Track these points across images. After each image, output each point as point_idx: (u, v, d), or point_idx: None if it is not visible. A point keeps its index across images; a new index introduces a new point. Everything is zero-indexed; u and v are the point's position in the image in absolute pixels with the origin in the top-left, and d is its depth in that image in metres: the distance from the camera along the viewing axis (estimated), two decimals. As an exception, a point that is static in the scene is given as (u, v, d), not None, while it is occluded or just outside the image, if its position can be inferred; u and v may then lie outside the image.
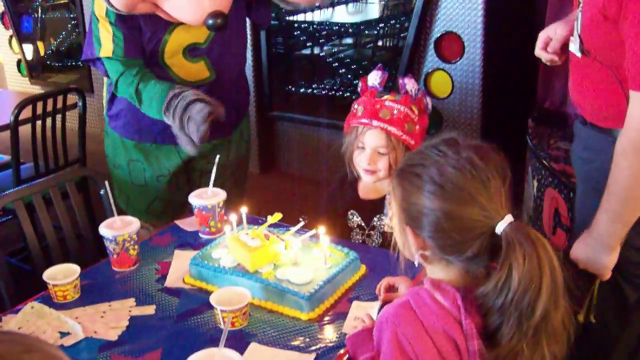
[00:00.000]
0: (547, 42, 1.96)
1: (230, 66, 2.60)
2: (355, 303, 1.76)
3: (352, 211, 2.22)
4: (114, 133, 2.67)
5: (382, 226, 2.17)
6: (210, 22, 2.28)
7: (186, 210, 2.38)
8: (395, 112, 2.08)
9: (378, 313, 1.63)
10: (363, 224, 2.20)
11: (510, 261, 1.20)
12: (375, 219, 2.18)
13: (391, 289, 1.75)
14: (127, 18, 2.37)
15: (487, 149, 1.32)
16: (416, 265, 1.38)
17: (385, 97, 2.12)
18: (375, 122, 2.09)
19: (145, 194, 2.68)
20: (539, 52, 1.98)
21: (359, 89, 2.20)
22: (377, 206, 2.18)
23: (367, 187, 2.24)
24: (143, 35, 2.42)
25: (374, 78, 2.16)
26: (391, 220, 1.44)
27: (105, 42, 2.40)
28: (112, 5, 2.31)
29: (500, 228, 1.24)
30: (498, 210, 1.25)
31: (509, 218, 1.24)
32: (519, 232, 1.22)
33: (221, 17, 2.28)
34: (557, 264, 1.22)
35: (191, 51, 2.46)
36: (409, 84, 2.12)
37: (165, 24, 2.40)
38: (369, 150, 2.12)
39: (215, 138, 2.62)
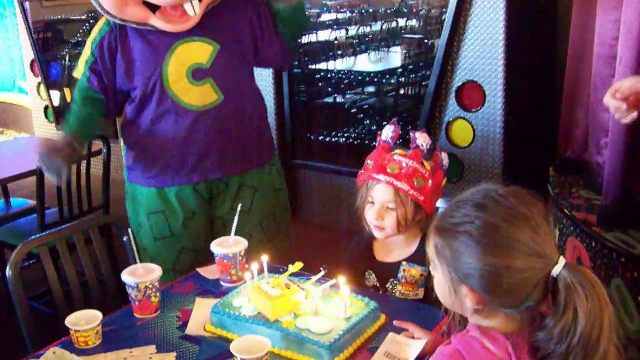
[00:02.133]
0: (616, 91, 1.95)
1: (238, 88, 2.59)
2: (391, 335, 1.77)
3: (369, 271, 2.21)
4: (133, 186, 2.68)
5: (395, 292, 2.15)
6: None
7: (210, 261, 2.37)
8: (403, 167, 2.06)
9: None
10: (378, 285, 2.19)
11: (575, 304, 1.21)
12: (389, 283, 2.17)
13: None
14: (112, 47, 2.51)
15: (527, 194, 1.32)
16: (470, 320, 1.37)
17: (396, 151, 2.12)
18: (382, 177, 2.07)
19: (171, 247, 2.64)
20: (607, 99, 1.97)
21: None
22: (392, 270, 2.16)
23: (381, 249, 2.23)
24: (144, 55, 2.49)
25: (387, 132, 2.16)
26: (433, 277, 1.41)
27: (80, 64, 2.57)
28: (103, 9, 2.41)
29: (556, 272, 1.24)
30: (552, 254, 1.26)
31: (563, 261, 1.25)
32: (577, 273, 1.23)
33: None
34: (609, 300, 1.24)
35: (195, 73, 2.49)
36: (420, 139, 2.10)
37: (167, 43, 2.47)
38: (377, 206, 2.11)
39: (235, 172, 2.63)
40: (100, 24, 2.55)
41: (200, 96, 2.50)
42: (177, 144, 2.54)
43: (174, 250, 2.65)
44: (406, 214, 2.08)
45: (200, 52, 2.49)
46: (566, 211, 2.74)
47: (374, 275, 2.20)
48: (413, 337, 1.76)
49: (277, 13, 2.62)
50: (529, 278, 1.25)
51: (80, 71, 2.57)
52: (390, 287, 2.16)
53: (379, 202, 2.10)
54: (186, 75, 2.48)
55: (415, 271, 2.11)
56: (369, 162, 2.15)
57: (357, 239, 2.31)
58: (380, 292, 2.17)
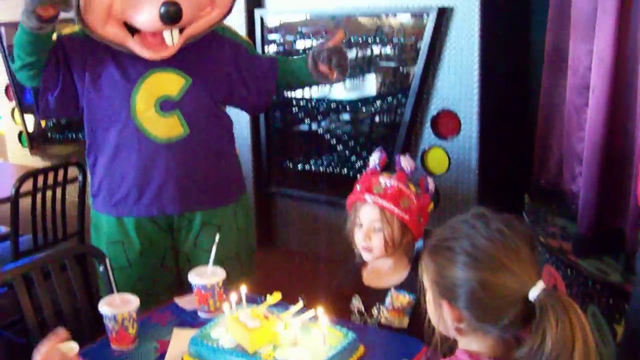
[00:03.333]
0: None
1: (205, 124, 2.56)
2: None
3: (356, 295, 2.22)
4: (96, 214, 2.65)
5: (380, 317, 2.16)
6: (163, 9, 2.29)
7: (173, 293, 2.36)
8: (388, 187, 2.11)
9: None
10: (363, 310, 2.20)
11: (544, 326, 1.24)
12: (375, 307, 2.18)
13: None
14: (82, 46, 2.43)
15: (515, 220, 1.38)
16: (459, 344, 1.40)
17: (382, 174, 2.17)
18: (368, 197, 2.12)
19: (128, 277, 2.60)
20: None
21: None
22: (379, 296, 2.17)
23: (370, 274, 2.25)
24: (114, 78, 2.45)
25: (374, 159, 2.22)
26: (425, 298, 1.47)
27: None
28: (82, 22, 2.34)
29: (533, 294, 1.28)
30: (530, 277, 1.30)
31: (541, 284, 1.29)
32: (552, 297, 1.27)
33: (174, 6, 2.29)
34: (589, 330, 1.26)
35: (163, 104, 2.47)
36: (404, 161, 2.16)
37: (139, 70, 2.45)
38: (365, 226, 2.15)
39: (194, 209, 2.60)
40: (76, 28, 2.47)
41: (166, 128, 2.49)
42: (137, 174, 2.52)
43: (130, 281, 2.60)
44: (393, 233, 2.11)
45: (171, 83, 2.48)
46: (541, 239, 2.76)
47: (359, 300, 2.20)
48: None
49: (298, 68, 2.67)
50: (504, 295, 1.29)
51: None
52: (375, 312, 2.16)
53: (366, 222, 2.14)
54: (154, 105, 2.47)
55: (404, 298, 2.12)
56: (357, 186, 2.20)
57: (346, 265, 2.33)
58: (364, 316, 2.18)
